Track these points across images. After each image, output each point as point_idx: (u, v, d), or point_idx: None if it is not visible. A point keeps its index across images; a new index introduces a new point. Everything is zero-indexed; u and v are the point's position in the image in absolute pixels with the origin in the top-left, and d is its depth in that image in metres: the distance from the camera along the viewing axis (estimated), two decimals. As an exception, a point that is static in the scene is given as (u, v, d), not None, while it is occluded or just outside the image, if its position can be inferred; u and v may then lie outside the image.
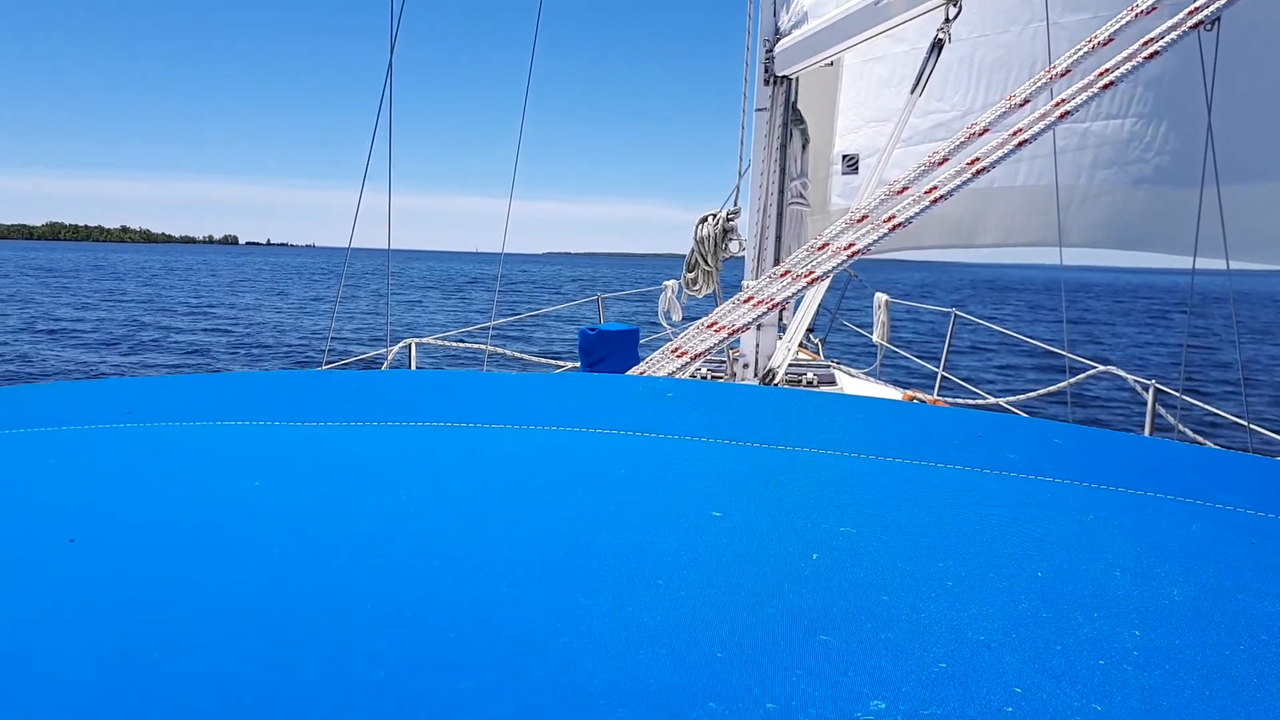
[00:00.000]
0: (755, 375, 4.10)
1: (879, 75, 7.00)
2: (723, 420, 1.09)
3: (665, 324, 6.17)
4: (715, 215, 4.72)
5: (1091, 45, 2.58)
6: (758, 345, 4.12)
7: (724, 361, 4.40)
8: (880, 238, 2.19)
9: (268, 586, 0.61)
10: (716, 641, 0.55)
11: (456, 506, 0.77)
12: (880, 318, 7.34)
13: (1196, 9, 2.20)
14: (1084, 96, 2.23)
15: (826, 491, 0.83)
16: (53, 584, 0.61)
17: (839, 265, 2.19)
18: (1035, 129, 2.21)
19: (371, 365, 7.26)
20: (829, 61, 4.17)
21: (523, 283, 71.41)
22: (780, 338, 4.07)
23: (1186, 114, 5.15)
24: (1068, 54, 2.60)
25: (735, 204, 4.95)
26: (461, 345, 6.90)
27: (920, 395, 5.22)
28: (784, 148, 4.24)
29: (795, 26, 4.04)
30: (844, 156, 7.31)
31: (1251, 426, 4.25)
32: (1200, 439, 4.31)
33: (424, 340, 6.07)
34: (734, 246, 4.65)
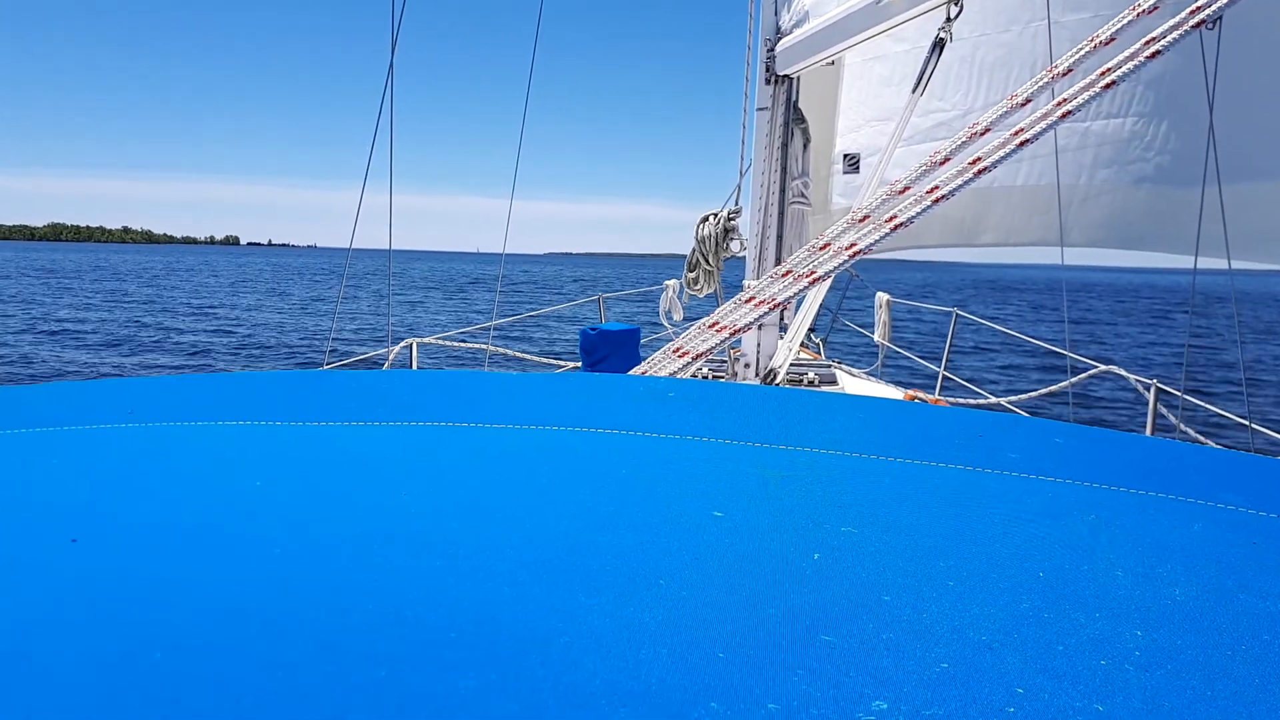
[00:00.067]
0: (757, 375, 4.09)
1: (880, 74, 7.00)
2: (724, 420, 1.09)
3: (666, 324, 6.17)
4: (716, 215, 4.72)
5: (1093, 44, 2.57)
6: (759, 345, 4.12)
7: (725, 361, 4.40)
8: (882, 237, 2.19)
9: (269, 586, 0.61)
10: (718, 641, 0.54)
11: (458, 506, 0.77)
12: (882, 317, 7.33)
13: (1198, 8, 2.19)
14: (1086, 96, 2.23)
15: (828, 491, 0.83)
16: (54, 584, 0.61)
17: (841, 265, 2.19)
18: (1037, 128, 2.21)
19: (373, 365, 7.26)
20: (830, 61, 4.17)
21: (524, 283, 71.44)
22: (782, 337, 4.07)
23: (1187, 113, 5.15)
24: (1069, 53, 2.60)
25: (736, 203, 4.95)
26: (463, 345, 6.90)
27: (921, 395, 5.22)
28: (785, 147, 4.24)
29: (796, 26, 4.04)
30: (845, 156, 7.31)
31: (1253, 426, 4.24)
32: (1202, 439, 4.31)
33: (425, 340, 6.07)
34: (735, 246, 4.64)
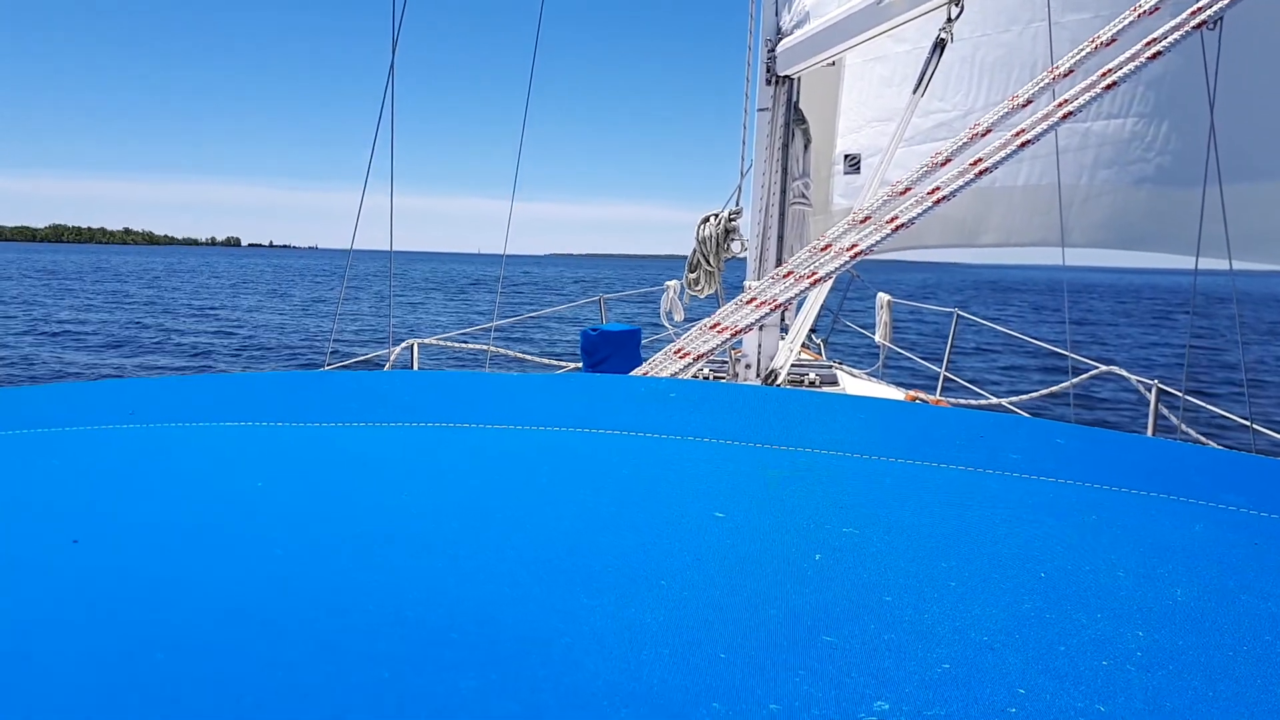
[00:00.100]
0: (758, 376, 4.09)
1: (881, 75, 7.00)
2: (725, 421, 1.09)
3: (667, 324, 6.17)
4: (717, 215, 4.71)
5: (1094, 45, 2.57)
6: (760, 346, 4.12)
7: (726, 362, 4.40)
8: (883, 238, 2.19)
9: (270, 587, 0.61)
10: (719, 642, 0.54)
11: (459, 507, 0.77)
12: (883, 318, 7.33)
13: (1199, 9, 2.19)
14: (1087, 97, 2.23)
15: (829, 492, 0.83)
16: (55, 584, 0.61)
17: (842, 266, 2.19)
18: (1038, 129, 2.21)
19: (374, 366, 7.26)
20: (831, 61, 4.18)
21: (525, 284, 71.45)
22: (783, 338, 4.07)
23: (1188, 113, 5.15)
24: (1070, 54, 2.60)
25: (737, 204, 4.95)
26: (464, 346, 6.90)
27: (923, 395, 5.22)
28: (786, 148, 4.24)
29: (797, 26, 4.04)
30: (846, 156, 7.32)
31: (1255, 427, 4.24)
32: (1203, 439, 4.31)
33: (426, 341, 6.07)
34: (736, 247, 4.64)
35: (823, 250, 2.20)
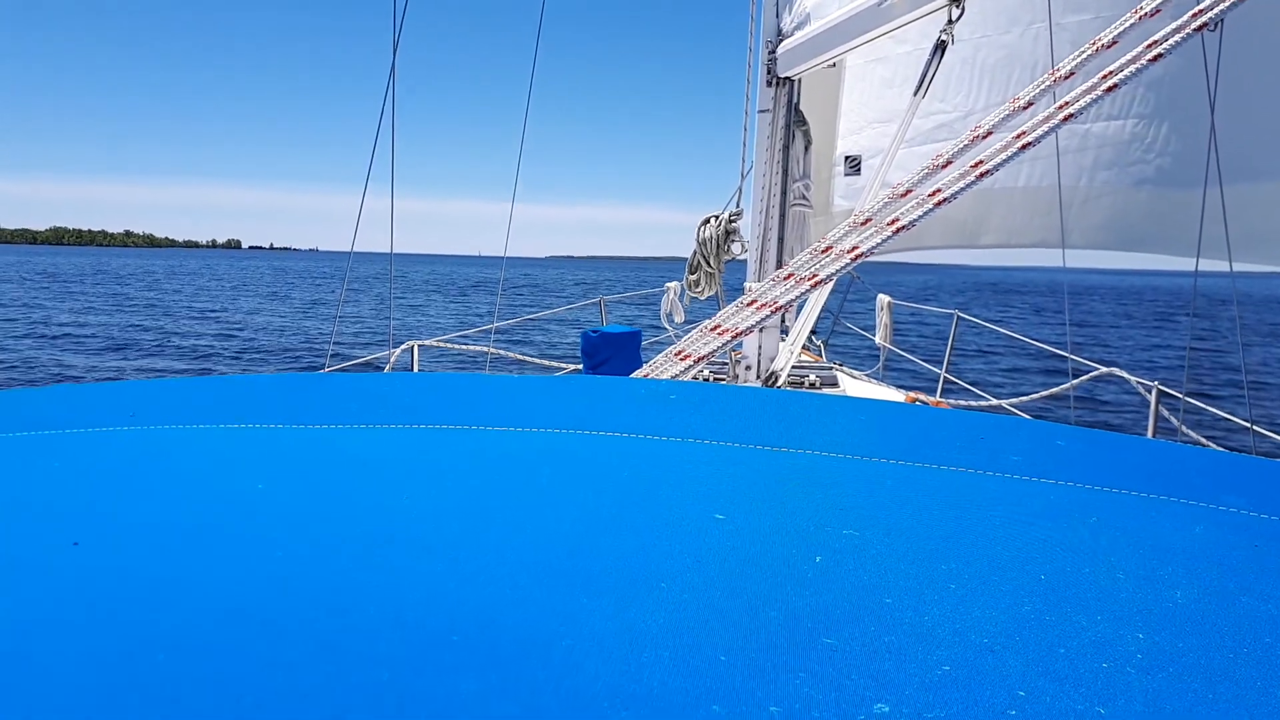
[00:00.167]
0: (758, 378, 4.09)
1: (881, 76, 7.01)
2: (726, 422, 1.09)
3: (668, 326, 6.17)
4: (718, 217, 4.71)
5: (1095, 48, 2.57)
6: (760, 348, 4.12)
7: (726, 364, 4.40)
8: (884, 240, 2.19)
9: (270, 588, 0.61)
10: (720, 644, 0.54)
11: (459, 509, 0.77)
12: (883, 319, 7.33)
13: (1201, 11, 2.20)
14: (1088, 99, 2.23)
15: (829, 494, 0.83)
16: (55, 586, 0.61)
17: (843, 268, 2.19)
18: (1039, 131, 2.21)
19: (374, 368, 7.26)
20: (832, 63, 4.17)
21: (525, 286, 71.46)
22: (783, 340, 4.07)
23: (1188, 114, 5.15)
24: (1071, 56, 2.60)
25: (738, 206, 4.95)
26: (464, 348, 6.90)
27: (923, 397, 5.22)
28: (786, 149, 4.24)
29: (798, 28, 4.04)
30: (847, 158, 7.32)
31: (1256, 429, 4.24)
32: (1204, 441, 4.30)
33: (426, 342, 6.07)
34: (736, 248, 4.64)
35: (823, 252, 2.20)
